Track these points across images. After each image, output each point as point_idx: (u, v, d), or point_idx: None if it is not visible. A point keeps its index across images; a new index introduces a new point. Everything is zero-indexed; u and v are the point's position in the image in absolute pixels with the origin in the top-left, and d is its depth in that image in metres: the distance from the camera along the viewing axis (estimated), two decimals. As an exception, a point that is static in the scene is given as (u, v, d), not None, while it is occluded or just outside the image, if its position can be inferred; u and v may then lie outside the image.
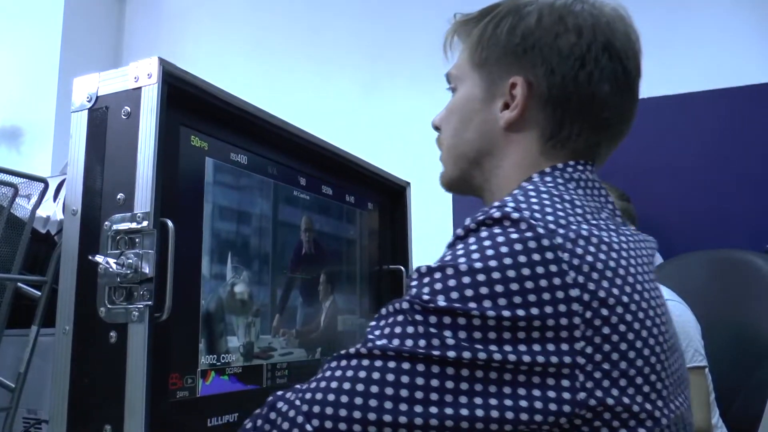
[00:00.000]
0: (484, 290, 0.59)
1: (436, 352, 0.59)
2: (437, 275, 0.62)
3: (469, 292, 0.60)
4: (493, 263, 0.60)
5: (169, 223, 0.78)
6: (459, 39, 0.83)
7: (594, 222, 0.66)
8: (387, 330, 0.63)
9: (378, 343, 0.62)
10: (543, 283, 0.59)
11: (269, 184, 1.06)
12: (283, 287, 1.09)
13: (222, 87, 0.91)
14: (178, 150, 0.87)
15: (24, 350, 0.88)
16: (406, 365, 0.60)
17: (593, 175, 0.75)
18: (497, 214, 0.63)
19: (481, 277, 0.60)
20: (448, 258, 0.63)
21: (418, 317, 0.61)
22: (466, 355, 0.58)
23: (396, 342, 0.61)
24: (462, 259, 0.62)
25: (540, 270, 0.59)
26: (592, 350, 0.59)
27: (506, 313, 0.59)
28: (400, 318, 0.63)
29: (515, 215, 0.62)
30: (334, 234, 1.25)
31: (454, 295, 0.60)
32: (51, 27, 3.52)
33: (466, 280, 0.60)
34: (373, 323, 0.66)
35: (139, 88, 0.79)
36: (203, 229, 0.90)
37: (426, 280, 0.63)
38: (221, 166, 0.95)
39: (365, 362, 0.62)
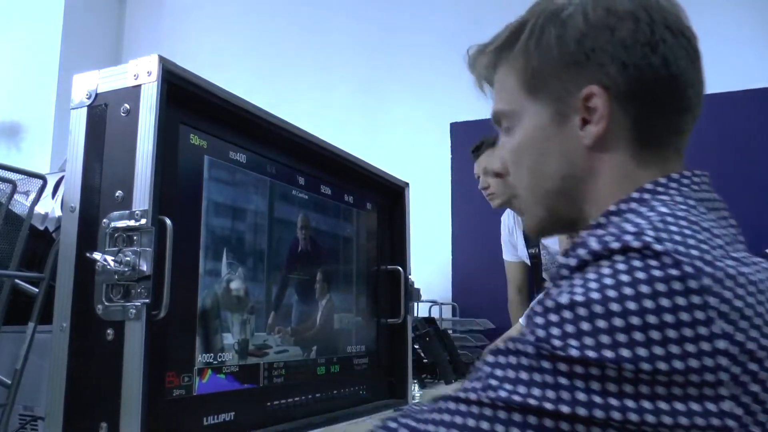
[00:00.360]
0: (621, 337, 0.52)
1: (565, 408, 0.53)
2: (567, 315, 0.55)
3: (605, 339, 0.53)
4: (632, 306, 0.53)
5: (168, 221, 0.78)
6: (498, 70, 0.76)
7: (735, 255, 0.58)
8: (510, 375, 0.56)
9: (501, 393, 0.55)
10: (688, 332, 0.52)
11: (268, 183, 1.06)
12: (280, 285, 1.09)
13: (221, 86, 0.91)
14: (177, 148, 0.87)
15: (21, 347, 0.88)
16: (532, 420, 0.54)
17: (712, 190, 0.68)
18: (636, 244, 0.55)
19: (618, 322, 0.53)
20: (578, 292, 0.55)
21: (546, 365, 0.54)
22: (599, 414, 0.52)
23: (522, 391, 0.54)
24: (596, 295, 0.54)
25: (685, 317, 0.52)
26: (742, 412, 0.52)
27: (646, 366, 0.52)
28: (524, 362, 0.56)
29: (658, 247, 0.55)
30: (332, 233, 1.25)
31: (588, 341, 0.53)
32: (51, 24, 3.53)
33: (601, 324, 0.53)
34: (490, 360, 0.58)
35: (139, 85, 0.79)
36: (201, 227, 0.90)
37: (554, 318, 0.55)
38: (220, 165, 0.95)
39: (487, 412, 0.55)
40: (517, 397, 0.54)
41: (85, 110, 0.83)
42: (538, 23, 0.71)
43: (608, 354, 0.52)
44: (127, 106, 0.80)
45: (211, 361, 0.90)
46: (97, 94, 0.82)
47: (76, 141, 0.82)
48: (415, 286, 1.43)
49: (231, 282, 0.96)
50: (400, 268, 1.40)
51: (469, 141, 3.13)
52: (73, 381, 0.77)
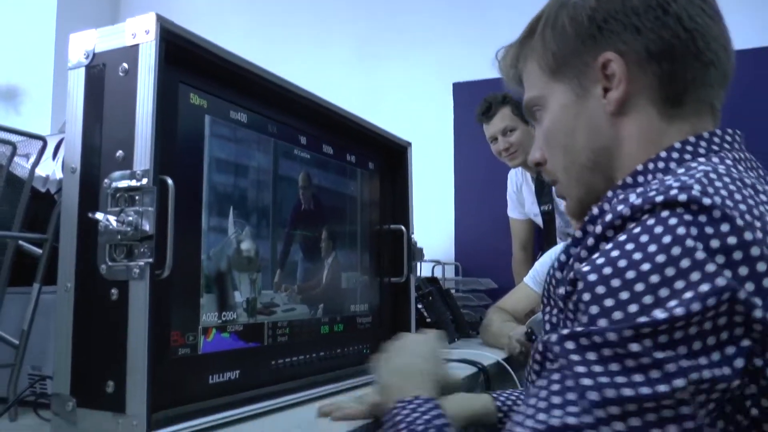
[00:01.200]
0: (687, 294, 0.52)
1: (679, 382, 0.51)
2: (633, 282, 0.53)
3: (665, 295, 0.52)
4: (685, 263, 0.52)
5: (169, 181, 0.77)
6: (522, 63, 0.79)
7: None
8: (601, 372, 0.53)
9: (608, 394, 0.52)
10: (749, 287, 0.52)
11: (269, 143, 1.06)
12: (284, 243, 1.09)
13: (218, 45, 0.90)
14: (177, 108, 0.86)
15: (27, 308, 0.89)
16: (651, 417, 0.51)
17: (744, 150, 0.68)
18: (683, 197, 0.54)
19: (670, 272, 0.52)
20: (623, 257, 0.54)
21: (635, 347, 0.52)
22: (714, 373, 0.51)
23: (627, 391, 0.51)
24: (652, 248, 0.53)
25: (744, 272, 0.52)
26: None
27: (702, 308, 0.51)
28: (607, 352, 0.53)
29: (706, 201, 0.54)
30: (335, 192, 1.24)
31: (650, 301, 0.52)
32: (47, -16, 3.47)
33: (654, 279, 0.53)
34: (575, 358, 0.54)
35: (137, 44, 0.78)
36: (203, 186, 0.90)
37: (624, 295, 0.54)
38: (221, 124, 0.94)
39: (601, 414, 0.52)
40: (628, 391, 0.51)
41: (82, 70, 0.82)
42: (551, 12, 0.74)
43: (679, 311, 0.51)
44: (125, 65, 0.79)
45: (215, 320, 0.91)
46: (94, 54, 0.81)
47: (74, 102, 0.82)
48: (418, 245, 1.43)
49: (236, 241, 0.96)
50: (403, 228, 1.40)
51: (472, 101, 3.11)
52: (79, 341, 0.77)
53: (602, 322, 0.54)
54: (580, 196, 0.77)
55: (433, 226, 2.78)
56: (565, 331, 0.55)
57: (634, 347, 0.52)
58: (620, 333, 0.52)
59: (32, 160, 0.91)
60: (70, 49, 0.82)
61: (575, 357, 0.54)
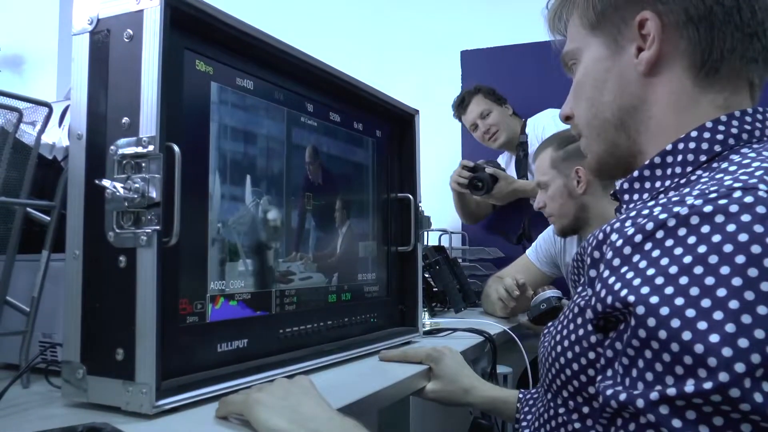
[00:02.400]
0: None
1: None
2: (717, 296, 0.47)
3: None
4: (753, 273, 0.47)
5: (175, 148, 0.77)
6: (566, 15, 0.79)
7: None
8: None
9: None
10: None
11: (276, 110, 1.05)
12: (297, 212, 1.09)
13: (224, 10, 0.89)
14: (182, 74, 0.85)
15: (37, 275, 0.89)
16: None
17: None
18: (749, 199, 0.50)
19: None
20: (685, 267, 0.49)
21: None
22: None
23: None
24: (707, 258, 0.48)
25: None
26: None
27: None
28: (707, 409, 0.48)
29: None
30: (342, 160, 1.24)
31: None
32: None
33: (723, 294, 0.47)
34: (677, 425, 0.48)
35: (141, 10, 0.77)
36: (210, 153, 0.89)
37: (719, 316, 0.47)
38: (227, 91, 0.94)
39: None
40: None
41: (87, 36, 0.81)
42: None
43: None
44: (130, 31, 0.78)
45: (223, 288, 0.91)
46: (98, 20, 0.80)
47: (79, 68, 0.81)
48: (425, 214, 1.43)
49: (247, 210, 0.96)
50: (410, 196, 1.40)
51: (480, 69, 3.08)
52: (88, 308, 0.78)
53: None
54: (600, 152, 0.76)
55: (441, 194, 2.77)
56: (654, 396, 0.48)
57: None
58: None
59: (38, 127, 0.90)
60: (74, 15, 0.81)
61: (677, 423, 0.47)
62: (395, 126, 1.42)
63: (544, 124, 2.55)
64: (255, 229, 0.98)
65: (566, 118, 0.81)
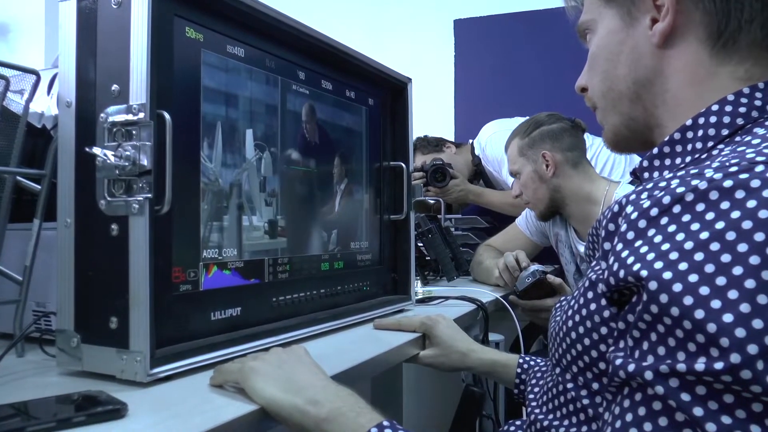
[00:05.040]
0: None
1: None
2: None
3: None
4: None
5: (166, 115, 0.76)
6: None
7: None
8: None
9: None
10: None
11: (267, 77, 1.04)
12: (290, 177, 1.09)
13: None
14: (172, 41, 0.84)
15: (29, 244, 0.89)
16: None
17: None
18: None
19: None
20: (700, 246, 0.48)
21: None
22: None
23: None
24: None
25: None
26: None
27: None
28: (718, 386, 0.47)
29: None
30: (334, 128, 1.23)
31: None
32: None
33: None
34: (686, 398, 0.47)
35: (129, -24, 0.76)
36: (201, 121, 0.89)
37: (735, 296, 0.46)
38: (217, 59, 0.93)
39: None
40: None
41: (73, 3, 0.80)
42: None
43: None
44: (118, -3, 0.77)
45: (216, 256, 0.91)
46: (85, -15, 0.79)
47: (66, 35, 0.80)
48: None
49: (240, 175, 0.96)
50: (403, 165, 1.39)
51: (473, 38, 3.05)
52: (81, 277, 0.78)
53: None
54: (616, 124, 0.75)
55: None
56: (664, 368, 0.48)
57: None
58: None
59: (26, 95, 0.89)
60: (60, -20, 0.80)
61: (686, 397, 0.47)
62: (388, 94, 1.41)
63: (482, 143, 2.62)
64: (250, 194, 0.98)
65: (581, 90, 0.79)
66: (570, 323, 0.66)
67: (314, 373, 0.74)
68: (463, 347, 1.11)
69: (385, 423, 0.67)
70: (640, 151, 0.75)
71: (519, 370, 1.06)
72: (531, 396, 0.79)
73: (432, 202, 2.42)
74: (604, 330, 0.62)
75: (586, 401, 0.67)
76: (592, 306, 0.63)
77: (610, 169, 2.31)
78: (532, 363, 1.05)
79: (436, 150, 2.71)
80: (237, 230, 0.96)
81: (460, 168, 2.62)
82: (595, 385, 0.66)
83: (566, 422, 0.69)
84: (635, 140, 0.75)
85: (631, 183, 1.45)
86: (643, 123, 0.72)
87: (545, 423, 0.71)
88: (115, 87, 0.76)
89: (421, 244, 1.91)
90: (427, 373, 1.21)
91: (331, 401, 0.70)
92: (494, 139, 2.54)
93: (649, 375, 0.48)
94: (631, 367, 0.50)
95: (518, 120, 2.31)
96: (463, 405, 1.30)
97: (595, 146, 2.30)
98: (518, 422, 0.93)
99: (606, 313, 0.61)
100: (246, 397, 0.71)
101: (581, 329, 0.64)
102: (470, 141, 2.73)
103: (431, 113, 2.84)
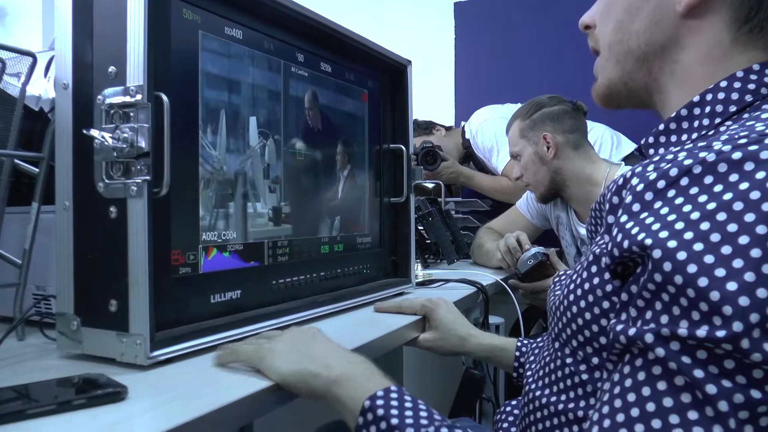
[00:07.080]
0: None
1: None
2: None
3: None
4: None
5: (164, 97, 0.76)
6: None
7: None
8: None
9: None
10: None
11: (266, 60, 1.03)
12: (293, 163, 1.09)
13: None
14: (169, 23, 0.83)
15: (28, 227, 0.89)
16: None
17: None
18: None
19: None
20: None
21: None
22: None
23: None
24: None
25: None
26: None
27: None
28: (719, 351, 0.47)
29: None
30: (334, 110, 1.22)
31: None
32: None
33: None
34: (686, 360, 0.47)
35: (126, -44, 0.75)
36: (199, 103, 0.88)
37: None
38: (215, 40, 0.92)
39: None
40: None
41: (69, -16, 0.79)
42: None
43: None
44: (114, -22, 0.76)
45: (215, 239, 0.91)
46: (81, -33, 0.78)
47: (63, 17, 0.79)
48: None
49: (239, 157, 0.95)
50: (403, 147, 1.39)
51: (473, 20, 3.04)
52: (80, 260, 0.78)
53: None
54: (613, 78, 0.72)
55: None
56: (665, 332, 0.48)
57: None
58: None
59: (23, 78, 0.89)
60: (55, -39, 0.79)
61: (686, 359, 0.47)
62: (387, 77, 1.40)
63: (473, 129, 2.61)
64: (254, 181, 0.98)
65: (585, 27, 0.76)
66: (571, 297, 0.65)
67: (329, 344, 0.77)
68: (463, 332, 1.11)
69: (393, 388, 0.67)
70: (628, 109, 0.73)
71: (517, 353, 1.06)
72: (528, 373, 0.79)
73: (431, 185, 2.42)
74: (605, 304, 0.61)
75: (585, 376, 0.66)
76: (595, 280, 0.63)
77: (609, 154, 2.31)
78: (534, 346, 1.05)
79: (425, 133, 2.73)
80: (242, 217, 0.96)
81: (450, 150, 2.64)
82: (595, 360, 0.65)
83: (563, 397, 0.68)
84: (628, 99, 0.73)
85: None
86: (643, 85, 0.70)
87: (543, 399, 0.71)
88: (112, 69, 0.75)
89: (422, 227, 1.91)
90: (427, 356, 1.22)
91: (342, 366, 0.72)
92: (485, 127, 2.54)
93: (649, 337, 0.48)
94: (632, 331, 0.50)
95: (510, 107, 2.29)
96: (463, 388, 1.31)
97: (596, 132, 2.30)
98: (514, 402, 0.93)
99: (608, 287, 0.61)
100: (246, 376, 0.72)
101: (582, 303, 0.64)
102: (462, 123, 2.73)
103: (431, 96, 2.83)
